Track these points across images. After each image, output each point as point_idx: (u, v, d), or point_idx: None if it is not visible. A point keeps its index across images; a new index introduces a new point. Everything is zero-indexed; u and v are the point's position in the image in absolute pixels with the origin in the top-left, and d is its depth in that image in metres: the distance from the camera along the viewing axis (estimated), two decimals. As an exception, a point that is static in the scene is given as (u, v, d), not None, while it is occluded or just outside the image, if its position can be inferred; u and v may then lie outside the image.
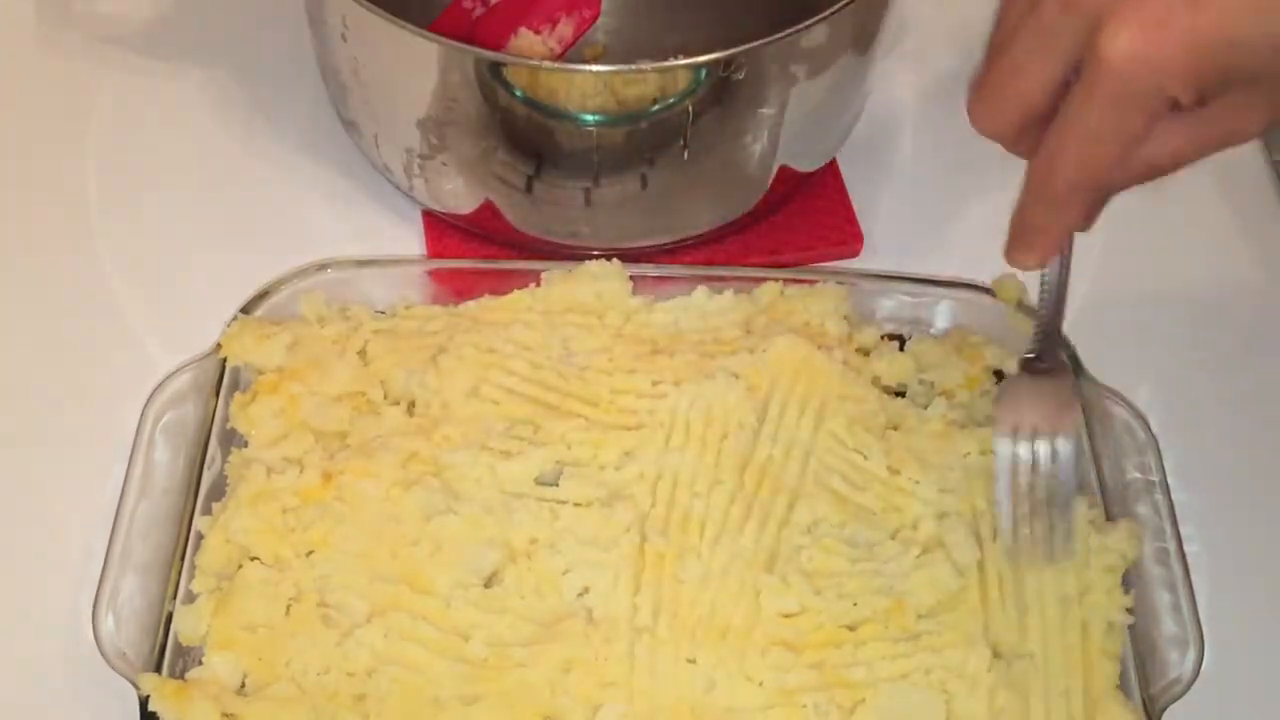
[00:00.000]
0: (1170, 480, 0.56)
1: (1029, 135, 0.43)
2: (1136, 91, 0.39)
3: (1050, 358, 0.53)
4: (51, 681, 0.53)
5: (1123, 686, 0.51)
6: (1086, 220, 0.45)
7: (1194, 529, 0.56)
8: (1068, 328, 0.56)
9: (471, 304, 0.61)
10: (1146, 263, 0.69)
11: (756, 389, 0.57)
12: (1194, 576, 0.53)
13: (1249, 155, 0.72)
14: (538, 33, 0.70)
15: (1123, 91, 0.39)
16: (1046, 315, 0.52)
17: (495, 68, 0.57)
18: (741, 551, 0.53)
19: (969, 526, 0.54)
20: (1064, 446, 0.51)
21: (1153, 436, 0.57)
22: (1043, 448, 0.51)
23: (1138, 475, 0.56)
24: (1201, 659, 0.51)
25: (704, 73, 0.57)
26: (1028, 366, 0.53)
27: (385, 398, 0.58)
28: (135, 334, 0.63)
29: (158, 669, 0.50)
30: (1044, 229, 0.45)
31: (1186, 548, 0.54)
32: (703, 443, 0.56)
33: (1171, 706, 0.50)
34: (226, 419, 0.57)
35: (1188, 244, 0.70)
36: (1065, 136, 0.42)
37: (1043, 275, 0.51)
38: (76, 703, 0.53)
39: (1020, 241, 0.46)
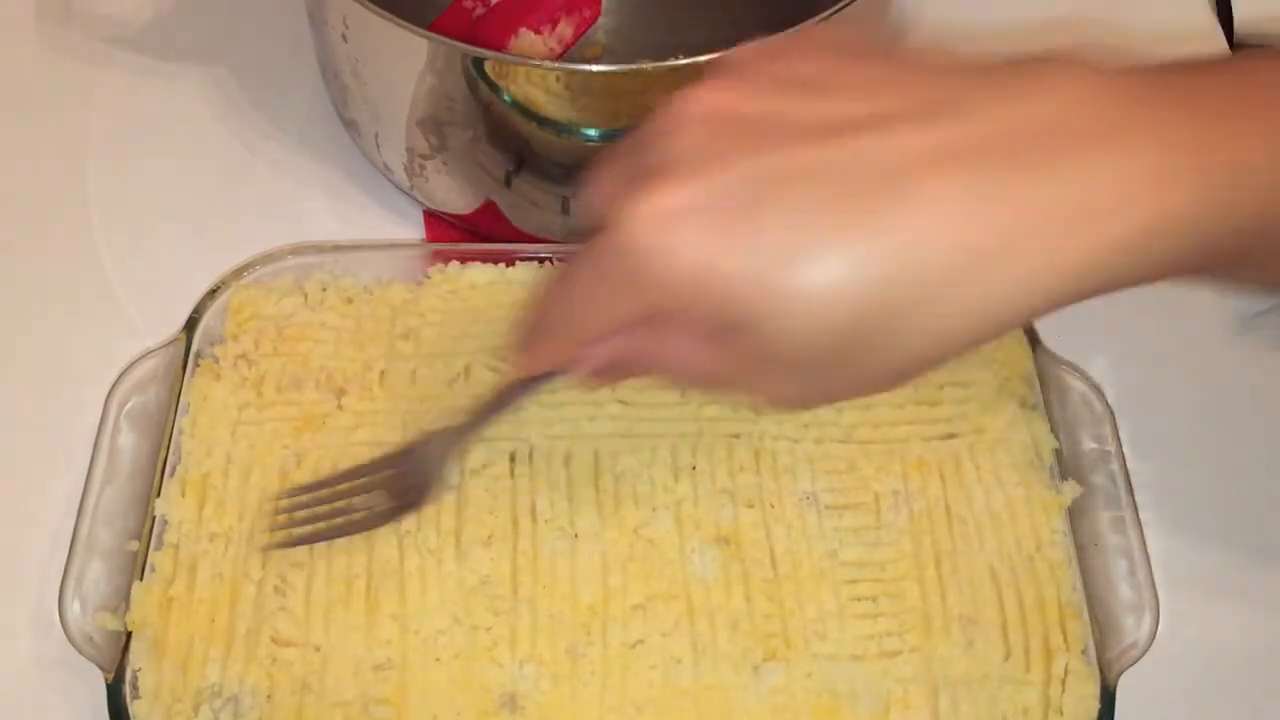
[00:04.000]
0: (1126, 450, 0.57)
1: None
2: (621, 276, 0.36)
3: None
4: (20, 666, 0.54)
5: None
6: (589, 376, 0.42)
7: (1149, 497, 0.57)
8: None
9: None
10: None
11: None
12: (1149, 544, 0.54)
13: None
14: (538, 33, 0.70)
15: (609, 270, 0.36)
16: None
17: (495, 68, 0.57)
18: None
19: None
20: None
21: (1109, 408, 0.58)
22: None
23: (1094, 445, 0.57)
24: (1157, 624, 0.52)
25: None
26: None
27: (354, 379, 0.58)
28: (133, 331, 0.63)
29: (124, 654, 0.51)
30: (536, 347, 0.43)
31: (1142, 515, 0.55)
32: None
33: (1128, 670, 0.51)
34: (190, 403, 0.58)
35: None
36: (562, 285, 0.39)
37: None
38: (45, 687, 0.54)
39: (524, 343, 0.43)
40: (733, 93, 0.36)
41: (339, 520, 0.52)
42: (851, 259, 0.34)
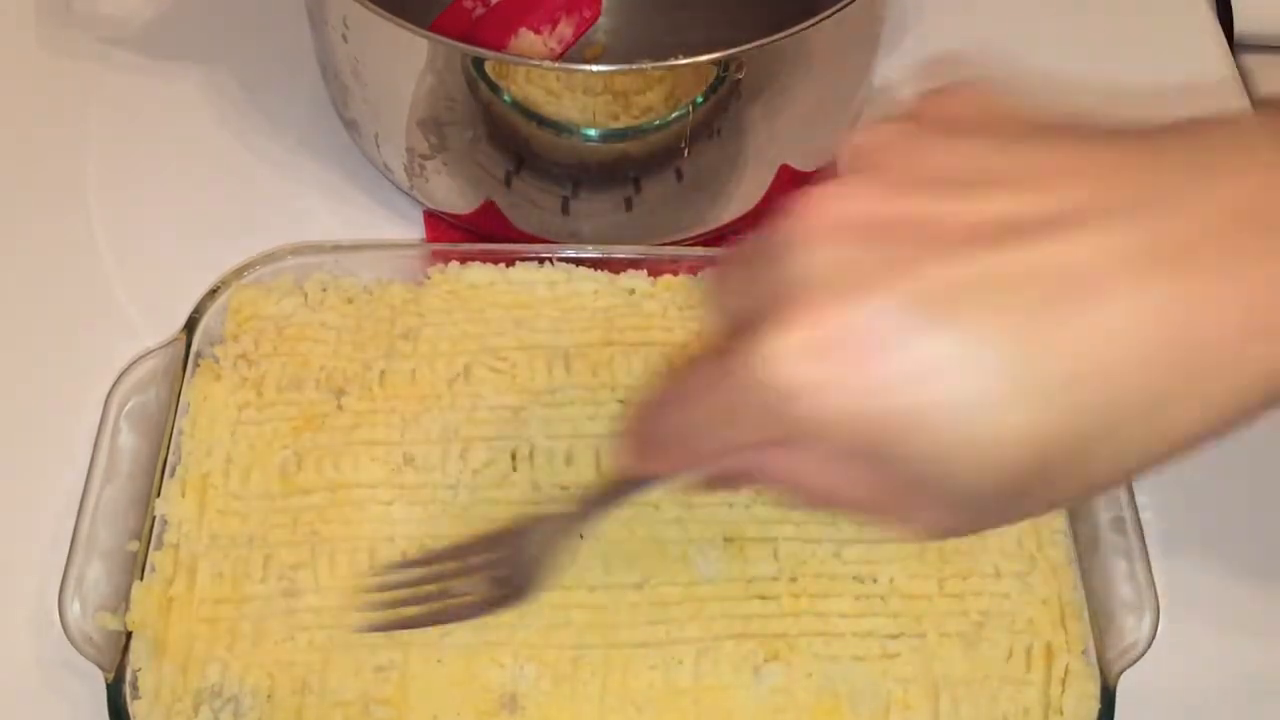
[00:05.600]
0: None
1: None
2: (757, 413, 0.32)
3: None
4: (20, 666, 0.54)
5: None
6: (710, 482, 0.39)
7: (1149, 497, 0.56)
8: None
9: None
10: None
11: None
12: (1149, 544, 0.54)
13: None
14: (538, 33, 0.70)
15: (744, 406, 0.32)
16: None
17: (495, 68, 0.57)
18: None
19: None
20: None
21: None
22: None
23: None
24: (1157, 624, 0.52)
25: (711, 78, 0.57)
26: None
27: (354, 379, 0.58)
28: (133, 331, 0.63)
29: (124, 654, 0.51)
30: (649, 454, 0.38)
31: (1142, 515, 0.55)
32: None
33: (1128, 670, 0.51)
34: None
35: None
36: (691, 396, 0.34)
37: None
38: (45, 687, 0.53)
39: (633, 442, 0.39)
40: (870, 192, 0.31)
41: (438, 605, 0.49)
42: (1038, 395, 0.29)
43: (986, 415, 0.29)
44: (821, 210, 0.31)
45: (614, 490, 0.45)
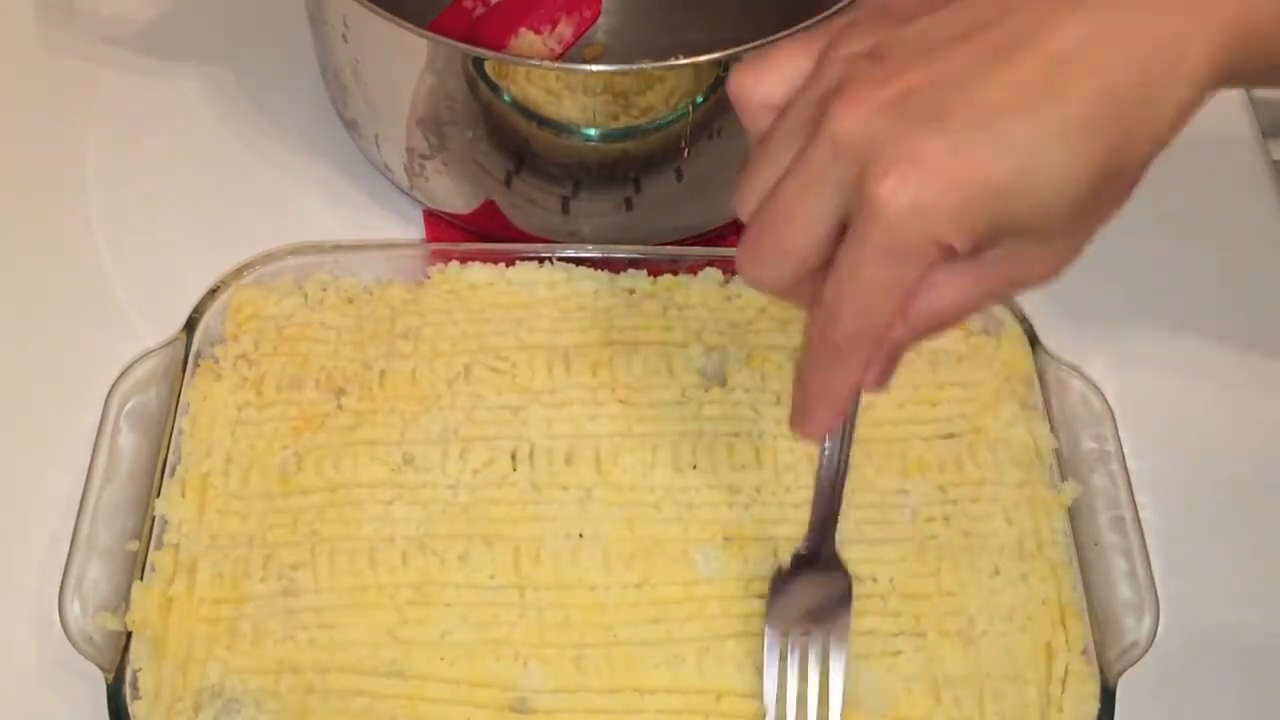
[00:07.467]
0: (1126, 450, 0.57)
1: (804, 287, 0.40)
2: (908, 239, 0.37)
3: (825, 549, 0.51)
4: (20, 666, 0.54)
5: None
6: (871, 377, 0.41)
7: (1149, 497, 0.56)
8: (1026, 303, 0.59)
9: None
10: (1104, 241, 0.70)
11: None
12: (1149, 544, 0.54)
13: (1248, 154, 0.73)
14: (538, 33, 0.70)
15: (894, 239, 0.37)
16: (822, 504, 0.50)
17: (495, 68, 0.57)
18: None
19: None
20: (836, 648, 0.50)
21: (1109, 407, 0.58)
22: (814, 648, 0.50)
23: (1094, 445, 0.57)
24: (1157, 624, 0.52)
25: (711, 78, 0.57)
26: (800, 563, 0.52)
27: (354, 379, 0.58)
28: (133, 331, 0.63)
29: (124, 654, 0.51)
30: (824, 391, 0.42)
31: (1141, 515, 0.55)
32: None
33: (1128, 670, 0.51)
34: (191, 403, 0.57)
35: (1145, 222, 0.70)
36: (840, 287, 0.39)
37: (822, 452, 0.48)
38: (45, 687, 0.53)
39: (802, 409, 0.42)
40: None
41: None
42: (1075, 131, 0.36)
43: (1052, 160, 0.36)
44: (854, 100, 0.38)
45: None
